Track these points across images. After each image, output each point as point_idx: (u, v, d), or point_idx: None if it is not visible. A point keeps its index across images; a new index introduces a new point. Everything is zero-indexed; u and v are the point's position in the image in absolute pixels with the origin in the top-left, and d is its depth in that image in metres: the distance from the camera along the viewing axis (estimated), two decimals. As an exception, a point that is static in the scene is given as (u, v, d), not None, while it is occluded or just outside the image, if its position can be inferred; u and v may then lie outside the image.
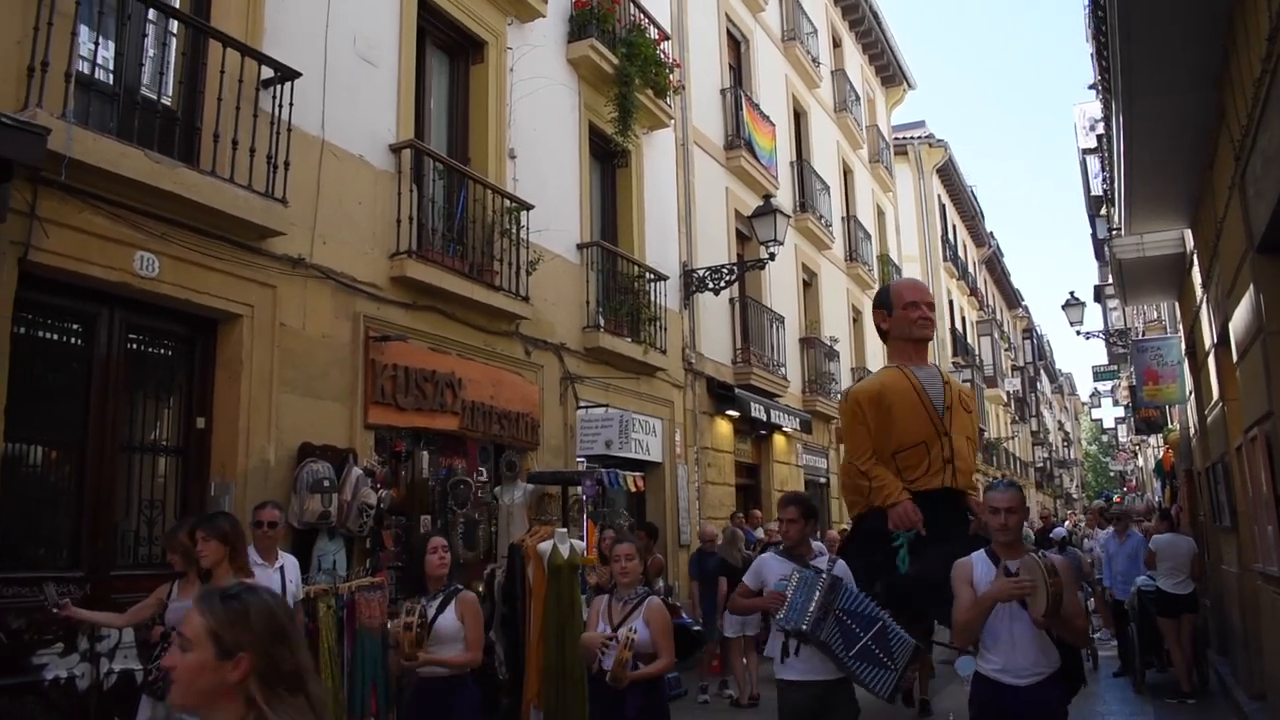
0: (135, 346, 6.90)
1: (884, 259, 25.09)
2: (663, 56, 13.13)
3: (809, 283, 20.13)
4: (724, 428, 15.24)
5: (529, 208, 10.21)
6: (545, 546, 8.39)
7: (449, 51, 10.45)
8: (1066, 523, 23.02)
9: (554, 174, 11.41)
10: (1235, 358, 7.85)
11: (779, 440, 17.28)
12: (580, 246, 11.75)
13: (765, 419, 15.53)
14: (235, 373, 7.19)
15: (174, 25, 7.01)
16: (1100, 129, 13.02)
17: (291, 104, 7.44)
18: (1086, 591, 12.41)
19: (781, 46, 19.80)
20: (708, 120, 15.89)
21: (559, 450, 10.84)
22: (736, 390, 14.95)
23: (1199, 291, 9.91)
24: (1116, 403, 38.42)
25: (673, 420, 13.53)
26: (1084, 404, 62.14)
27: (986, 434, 31.71)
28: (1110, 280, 17.08)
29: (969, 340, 33.65)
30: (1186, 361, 12.65)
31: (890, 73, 27.77)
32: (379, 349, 8.35)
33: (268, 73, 7.38)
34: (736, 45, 18.05)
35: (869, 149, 25.33)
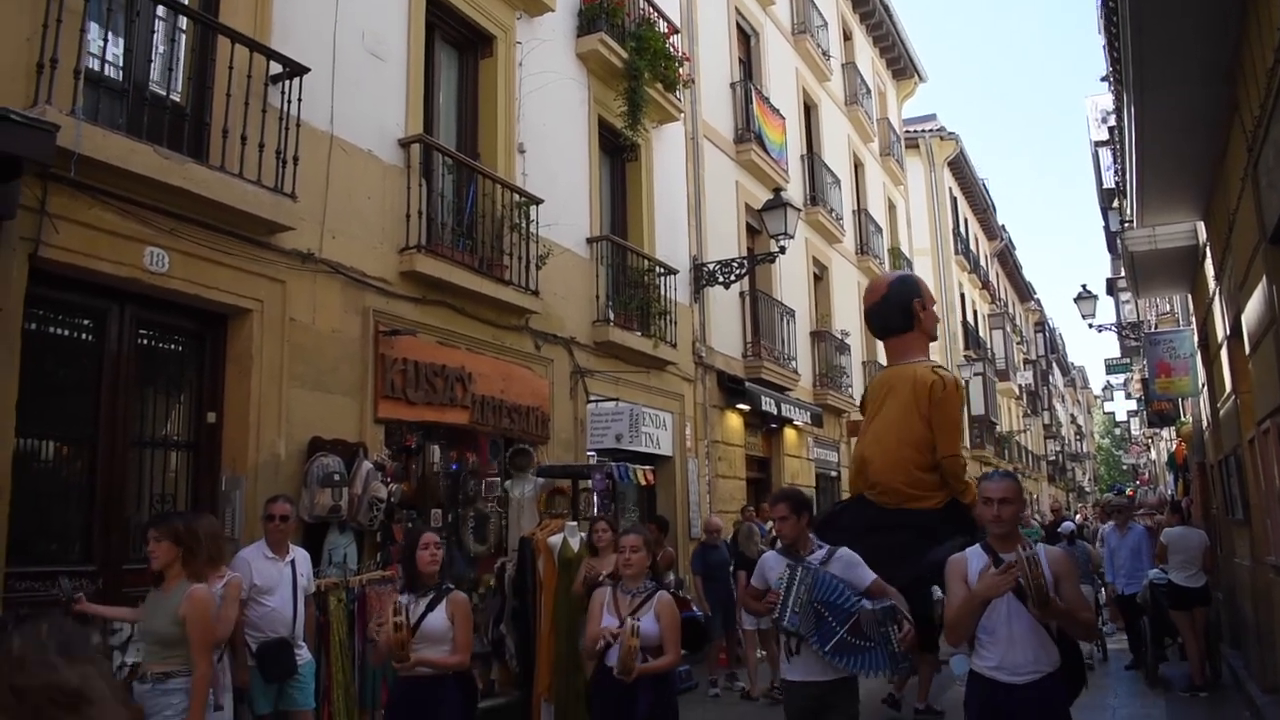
0: (146, 342, 6.92)
1: (895, 252, 25.02)
2: (672, 50, 13.09)
3: (820, 276, 20.09)
4: (734, 421, 15.23)
5: (538, 202, 10.21)
6: (556, 540, 8.41)
7: (458, 46, 10.45)
8: (1078, 516, 22.92)
9: (563, 168, 11.41)
10: (1248, 350, 7.82)
11: (790, 434, 17.26)
12: (590, 240, 11.75)
13: (776, 413, 15.52)
14: (245, 367, 7.21)
15: (183, 21, 7.01)
16: (1112, 121, 12.96)
17: (300, 99, 7.45)
18: (1097, 584, 12.28)
19: (792, 39, 19.74)
20: (718, 114, 15.85)
21: (569, 444, 10.85)
22: (747, 384, 14.94)
23: (1211, 284, 9.86)
24: (1129, 396, 38.32)
25: (683, 414, 13.53)
26: (1096, 397, 61.88)
27: (999, 427, 31.61)
28: (1122, 273, 17.02)
29: (981, 333, 33.55)
30: (1199, 354, 12.59)
31: (901, 65, 27.67)
32: (389, 343, 8.37)
33: (276, 68, 7.38)
34: (746, 38, 18.01)
35: (880, 142, 25.25)
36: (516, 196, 10.04)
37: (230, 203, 6.76)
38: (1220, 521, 12.02)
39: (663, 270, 12.86)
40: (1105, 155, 18.00)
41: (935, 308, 6.09)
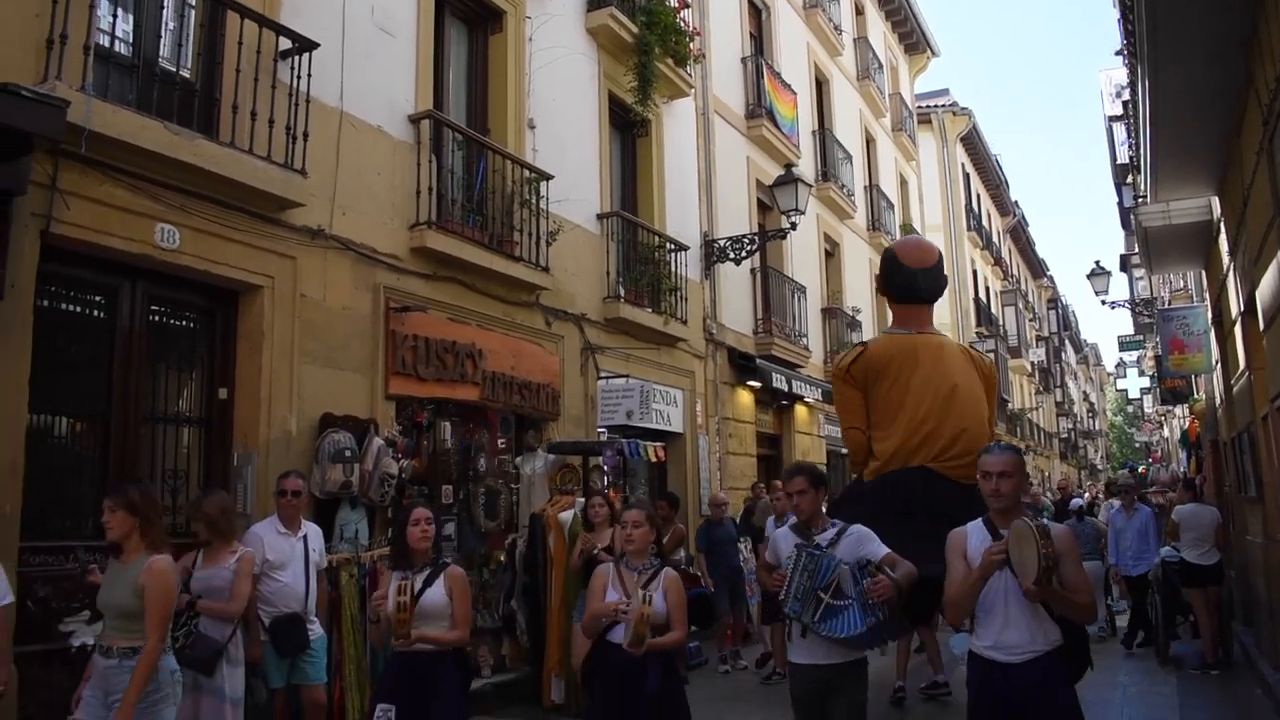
0: (157, 318, 6.95)
1: (907, 228, 24.88)
2: (683, 25, 13.02)
3: (831, 252, 20.02)
4: (745, 398, 15.22)
5: (548, 178, 10.18)
6: (566, 516, 8.45)
7: (467, 21, 10.40)
8: (1086, 494, 22.83)
9: (574, 144, 11.37)
10: (1262, 326, 7.77)
11: (800, 411, 17.25)
12: (600, 217, 11.72)
13: (787, 389, 15.50)
14: (256, 344, 7.23)
15: (192, -4, 7.01)
16: (1126, 96, 12.86)
17: (310, 75, 7.44)
18: (1107, 561, 12.17)
19: (803, 14, 19.59)
20: (728, 89, 15.77)
21: (580, 420, 10.86)
22: (758, 360, 14.92)
23: (1226, 259, 9.79)
24: (1142, 373, 38.11)
25: (693, 391, 13.53)
26: (1109, 374, 61.66)
27: (1010, 404, 31.54)
28: (1136, 249, 16.93)
29: (993, 310, 33.42)
30: (1213, 330, 12.52)
31: (914, 40, 27.46)
32: (399, 320, 8.37)
33: (286, 44, 7.37)
34: (757, 13, 17.88)
35: (892, 117, 25.09)
36: (527, 172, 10.02)
37: (240, 179, 6.76)
38: (1233, 499, 11.98)
39: (673, 246, 12.83)
40: (1119, 130, 17.89)
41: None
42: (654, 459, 11.51)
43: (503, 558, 9.17)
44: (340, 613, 6.87)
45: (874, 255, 21.97)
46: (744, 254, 14.31)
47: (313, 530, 6.40)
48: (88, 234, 6.03)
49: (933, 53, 28.50)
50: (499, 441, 9.88)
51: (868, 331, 20.55)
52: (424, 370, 8.60)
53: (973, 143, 31.93)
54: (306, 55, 7.43)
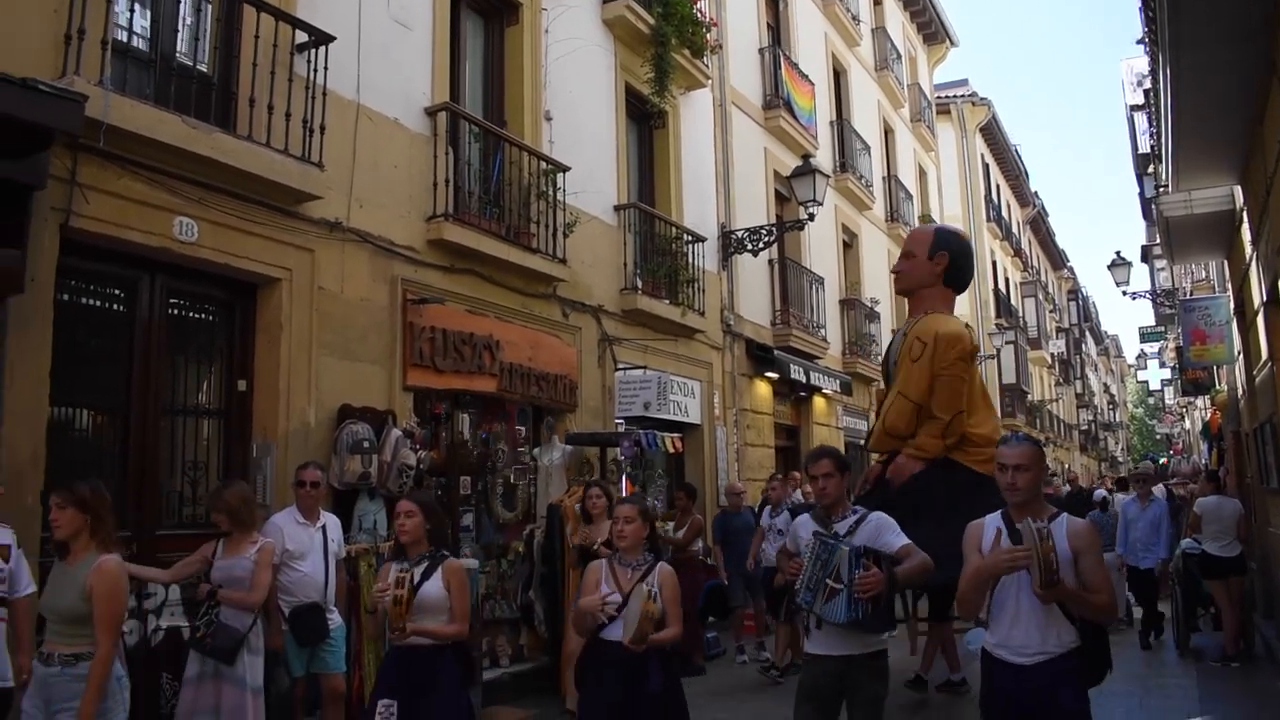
0: (176, 311, 6.99)
1: (926, 219, 24.77)
2: (699, 16, 12.97)
3: (849, 244, 19.95)
4: (763, 389, 15.20)
5: (565, 170, 10.18)
6: (584, 507, 8.45)
7: (483, 13, 10.40)
8: (1101, 489, 22.68)
9: (590, 136, 11.36)
10: (1284, 315, 7.70)
11: (819, 402, 17.22)
12: (617, 208, 11.72)
13: (805, 381, 15.48)
14: (275, 336, 7.27)
15: (209, -10, 7.03)
16: (1147, 84, 12.75)
17: (326, 68, 7.46)
18: (1118, 551, 11.91)
19: (820, 4, 19.48)
20: (746, 80, 15.72)
21: (597, 412, 10.87)
22: (776, 352, 14.90)
23: (1248, 249, 9.71)
24: (1163, 364, 37.93)
25: (711, 382, 13.52)
26: (1130, 366, 61.19)
27: (1030, 396, 31.38)
28: (1157, 239, 16.79)
29: (1013, 302, 33.23)
30: (1235, 321, 12.41)
31: (932, 30, 27.30)
32: (417, 311, 8.40)
33: (302, 37, 7.39)
34: (775, 3, 17.81)
35: (910, 108, 24.96)
36: (543, 164, 10.02)
37: (258, 172, 6.79)
38: (1255, 490, 11.89)
39: (691, 238, 12.82)
40: (1141, 120, 17.73)
41: None
42: (671, 450, 11.52)
43: (521, 548, 9.19)
44: (359, 602, 6.90)
45: (893, 246, 21.88)
46: (762, 245, 14.28)
47: (331, 521, 6.43)
48: (107, 228, 6.07)
49: (951, 43, 28.32)
50: (517, 433, 9.89)
51: (886, 324, 20.50)
52: (441, 362, 8.62)
53: (992, 133, 31.73)
54: (323, 48, 7.45)
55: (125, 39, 6.45)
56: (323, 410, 7.46)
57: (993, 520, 4.04)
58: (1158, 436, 66.23)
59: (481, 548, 9.12)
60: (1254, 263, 9.41)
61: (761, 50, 16.44)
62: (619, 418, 11.26)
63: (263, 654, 5.51)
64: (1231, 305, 12.52)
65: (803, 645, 4.77)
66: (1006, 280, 33.40)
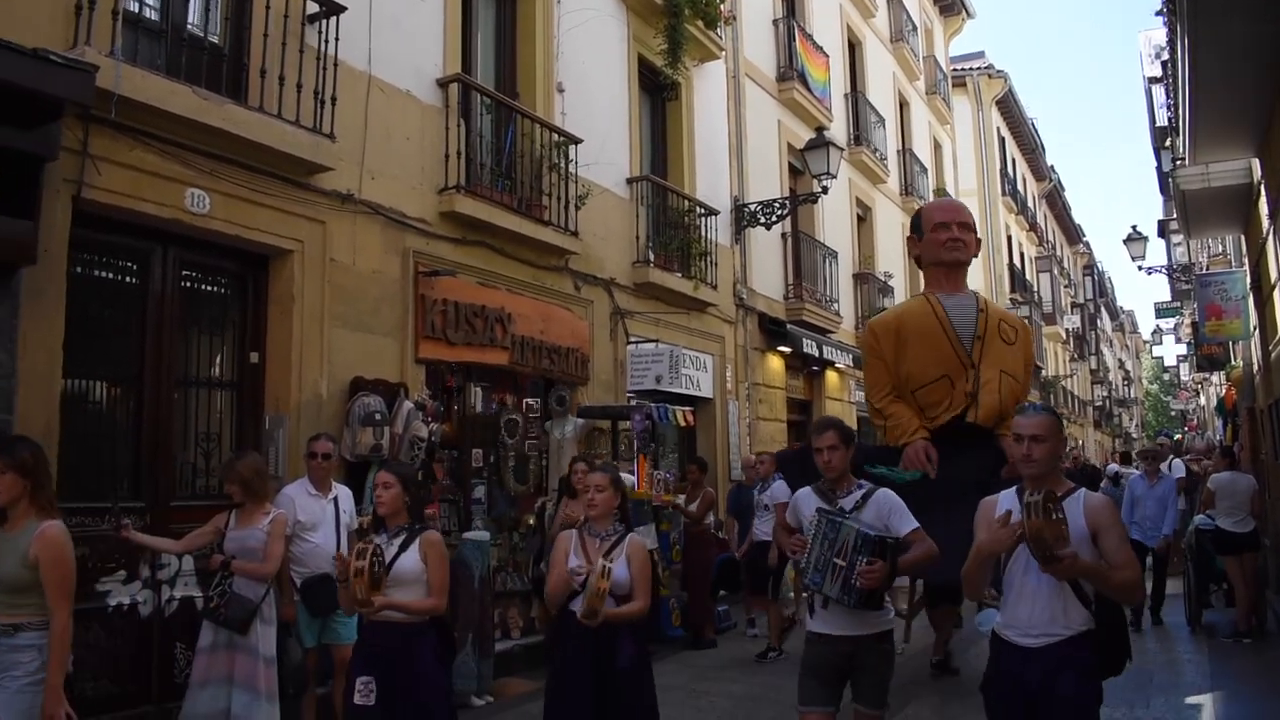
0: (188, 283, 6.99)
1: (940, 193, 24.61)
2: (713, -14, 12.86)
3: (863, 217, 19.85)
4: (775, 364, 15.18)
5: (578, 142, 10.14)
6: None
7: (496, -16, 10.33)
8: (1111, 466, 22.53)
9: (603, 108, 11.30)
10: (1302, 291, 7.64)
11: (831, 376, 17.18)
12: (630, 181, 11.67)
13: (817, 355, 15.44)
14: (287, 308, 7.27)
15: (220, -40, 7.00)
16: (1165, 56, 12.60)
17: (338, 39, 7.42)
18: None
19: (836, -26, 19.33)
20: (759, 52, 15.60)
21: (609, 385, 10.87)
22: (788, 326, 14.86)
23: (1265, 223, 9.61)
24: (1179, 340, 37.66)
25: (723, 356, 13.50)
26: (1145, 341, 60.91)
27: (1045, 372, 31.26)
28: (1174, 214, 16.65)
29: (1028, 276, 33.04)
30: (1251, 296, 12.31)
31: (949, 1, 27.04)
32: (429, 284, 8.39)
33: (313, 7, 7.34)
34: (790, -26, 17.65)
35: (926, 80, 24.74)
36: (556, 136, 9.97)
37: (269, 143, 6.78)
38: (1269, 466, 11.83)
39: (703, 211, 12.76)
40: (1159, 92, 17.54)
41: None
42: (683, 424, 11.51)
43: (532, 521, 9.22)
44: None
45: (907, 220, 21.74)
46: (775, 218, 14.22)
47: (343, 492, 6.45)
48: (119, 199, 6.07)
49: (968, 14, 28.07)
50: (528, 405, 9.90)
51: (899, 297, 20.39)
52: (453, 334, 8.62)
53: (1008, 106, 31.46)
54: (334, 19, 7.41)
55: (136, 9, 6.42)
56: (335, 382, 7.47)
57: (1007, 496, 3.81)
58: (1173, 413, 65.93)
59: (493, 520, 9.15)
60: (1271, 237, 9.32)
61: (775, 21, 16.31)
62: (630, 391, 11.26)
63: (275, 624, 5.54)
64: (1248, 280, 12.42)
65: (803, 622, 4.64)
66: (1022, 255, 33.21)
